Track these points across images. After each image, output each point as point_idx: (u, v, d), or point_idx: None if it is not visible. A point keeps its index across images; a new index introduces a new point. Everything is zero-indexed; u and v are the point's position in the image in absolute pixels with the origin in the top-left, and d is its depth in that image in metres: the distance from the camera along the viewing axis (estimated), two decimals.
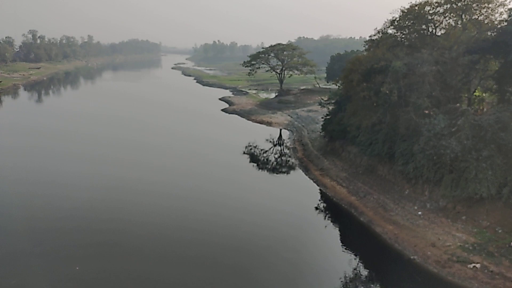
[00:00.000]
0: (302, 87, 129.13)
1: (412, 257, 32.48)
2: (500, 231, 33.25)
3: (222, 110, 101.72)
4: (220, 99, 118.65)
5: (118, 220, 39.32)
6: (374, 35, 55.34)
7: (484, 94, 50.82)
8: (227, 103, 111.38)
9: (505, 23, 42.75)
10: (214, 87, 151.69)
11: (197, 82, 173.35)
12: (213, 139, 75.03)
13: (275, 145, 72.52)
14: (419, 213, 38.63)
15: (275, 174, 58.86)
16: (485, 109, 48.45)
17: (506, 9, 45.31)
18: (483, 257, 30.80)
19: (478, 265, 30.01)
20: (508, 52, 40.00)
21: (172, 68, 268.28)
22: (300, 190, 50.91)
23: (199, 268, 31.69)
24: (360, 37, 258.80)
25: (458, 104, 44.32)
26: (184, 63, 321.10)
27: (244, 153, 66.55)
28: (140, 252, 33.47)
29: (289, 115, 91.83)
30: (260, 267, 32.38)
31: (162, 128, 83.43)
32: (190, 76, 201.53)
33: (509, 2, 45.94)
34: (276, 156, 66.74)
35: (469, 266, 30.17)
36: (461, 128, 37.80)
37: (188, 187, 49.29)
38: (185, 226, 38.75)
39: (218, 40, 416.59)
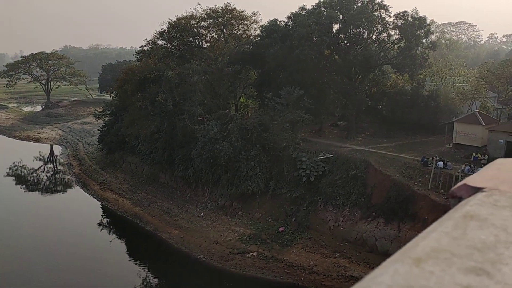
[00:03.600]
0: (73, 99, 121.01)
1: (198, 257, 34.10)
2: (270, 220, 37.87)
3: None
4: None
5: None
6: (145, 46, 56.01)
7: (248, 101, 57.19)
8: None
9: (259, 38, 49.05)
10: None
11: None
12: None
13: (46, 163, 66.08)
14: (202, 214, 40.84)
15: (49, 194, 53.62)
16: (250, 114, 54.49)
17: (259, 26, 52.08)
18: (258, 245, 34.55)
19: (255, 253, 33.51)
20: (263, 63, 45.88)
21: None
22: (80, 208, 47.57)
23: None
24: (132, 47, 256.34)
25: (227, 110, 48.56)
26: None
27: (8, 174, 58.56)
28: None
29: (60, 129, 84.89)
30: None
31: None
32: None
33: (261, 20, 52.95)
34: (49, 174, 60.92)
35: (247, 255, 33.42)
36: (232, 131, 41.55)
37: None
38: None
39: None
